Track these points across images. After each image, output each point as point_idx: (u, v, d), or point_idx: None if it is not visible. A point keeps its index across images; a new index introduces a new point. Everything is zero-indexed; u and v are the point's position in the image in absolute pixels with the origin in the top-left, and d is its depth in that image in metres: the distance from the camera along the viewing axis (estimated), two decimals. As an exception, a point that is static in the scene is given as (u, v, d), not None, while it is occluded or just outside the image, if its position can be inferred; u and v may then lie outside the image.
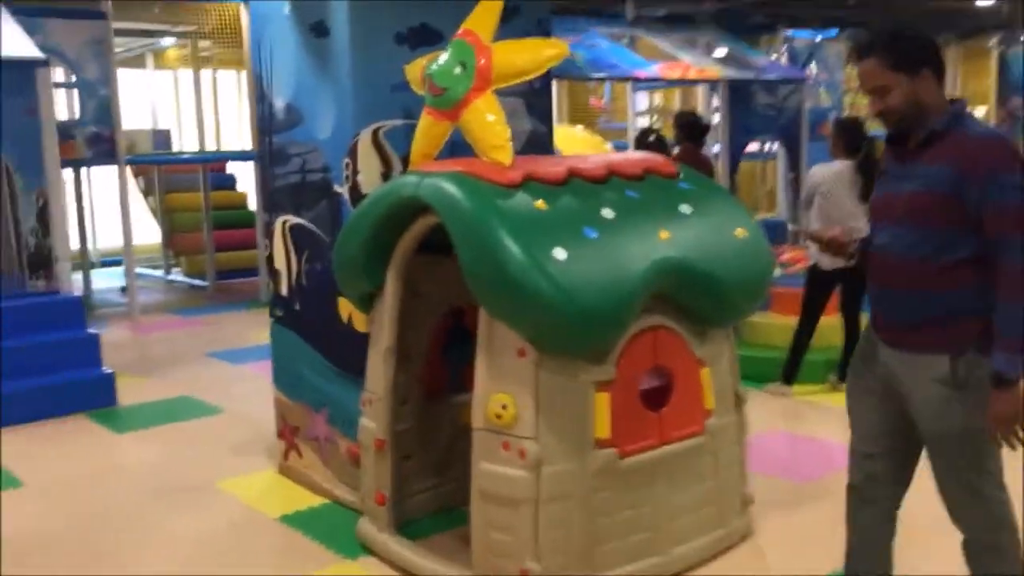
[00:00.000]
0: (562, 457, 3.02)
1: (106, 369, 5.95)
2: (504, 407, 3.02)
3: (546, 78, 4.15)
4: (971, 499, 2.54)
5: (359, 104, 3.77)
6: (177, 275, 11.23)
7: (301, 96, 4.07)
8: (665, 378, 3.27)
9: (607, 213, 3.16)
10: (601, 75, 8.71)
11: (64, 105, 9.75)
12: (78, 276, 9.53)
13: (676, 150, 6.37)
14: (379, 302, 3.54)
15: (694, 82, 9.97)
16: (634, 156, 3.83)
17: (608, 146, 8.74)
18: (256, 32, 4.34)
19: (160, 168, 10.76)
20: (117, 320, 8.75)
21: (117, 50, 9.22)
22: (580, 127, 9.97)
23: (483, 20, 3.34)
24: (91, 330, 6.12)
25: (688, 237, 3.26)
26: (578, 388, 3.03)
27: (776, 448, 4.84)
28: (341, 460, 4.06)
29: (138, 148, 9.19)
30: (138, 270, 10.46)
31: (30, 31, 6.74)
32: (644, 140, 6.34)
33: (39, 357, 5.69)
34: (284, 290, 4.32)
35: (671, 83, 10.61)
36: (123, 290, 9.33)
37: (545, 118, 4.28)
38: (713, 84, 9.71)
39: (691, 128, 6.41)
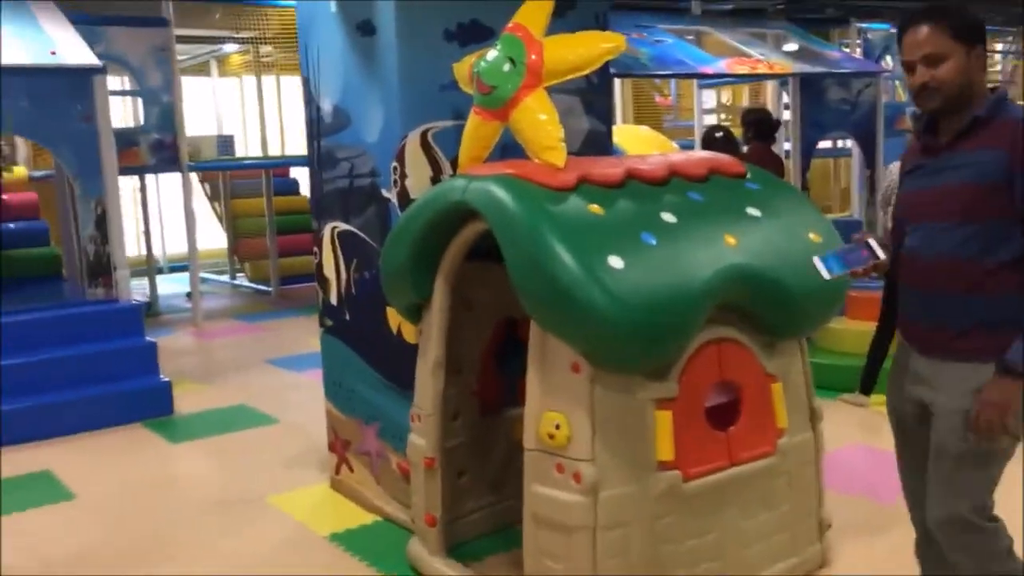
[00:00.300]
0: (621, 480, 2.80)
1: (163, 378, 5.91)
2: (557, 426, 2.81)
3: (605, 74, 3.94)
4: (973, 538, 2.38)
5: (407, 104, 3.61)
6: (242, 280, 11.28)
7: (348, 98, 3.93)
8: (733, 394, 3.02)
9: (668, 217, 2.93)
10: (666, 72, 8.42)
11: (130, 113, 9.86)
12: (143, 282, 9.62)
13: (745, 149, 6.11)
14: (427, 313, 3.37)
15: (763, 77, 9.61)
16: (697, 155, 3.58)
17: (674, 145, 8.47)
18: (303, 34, 4.21)
19: (225, 174, 10.80)
20: (182, 326, 8.82)
21: (182, 58, 9.28)
22: (645, 127, 9.71)
23: (534, 13, 3.13)
24: (150, 338, 6.08)
25: (756, 242, 3.00)
26: (637, 406, 2.81)
27: (855, 464, 4.54)
28: (393, 476, 3.91)
29: (202, 154, 9.22)
30: (204, 275, 10.55)
31: (93, 39, 6.77)
32: (711, 138, 6.08)
33: (97, 366, 5.69)
34: (333, 299, 4.18)
35: (739, 79, 10.27)
36: (188, 296, 9.37)
37: (604, 117, 4.06)
38: (783, 79, 9.35)
39: (760, 125, 6.16)
